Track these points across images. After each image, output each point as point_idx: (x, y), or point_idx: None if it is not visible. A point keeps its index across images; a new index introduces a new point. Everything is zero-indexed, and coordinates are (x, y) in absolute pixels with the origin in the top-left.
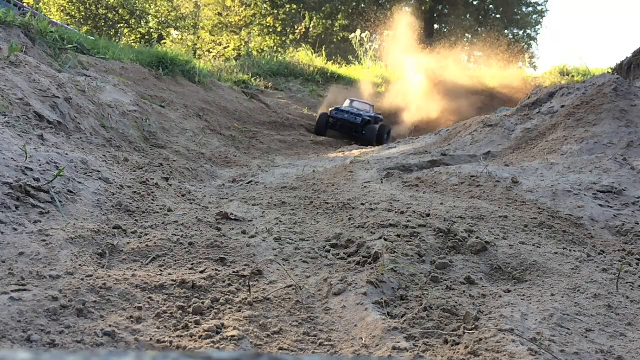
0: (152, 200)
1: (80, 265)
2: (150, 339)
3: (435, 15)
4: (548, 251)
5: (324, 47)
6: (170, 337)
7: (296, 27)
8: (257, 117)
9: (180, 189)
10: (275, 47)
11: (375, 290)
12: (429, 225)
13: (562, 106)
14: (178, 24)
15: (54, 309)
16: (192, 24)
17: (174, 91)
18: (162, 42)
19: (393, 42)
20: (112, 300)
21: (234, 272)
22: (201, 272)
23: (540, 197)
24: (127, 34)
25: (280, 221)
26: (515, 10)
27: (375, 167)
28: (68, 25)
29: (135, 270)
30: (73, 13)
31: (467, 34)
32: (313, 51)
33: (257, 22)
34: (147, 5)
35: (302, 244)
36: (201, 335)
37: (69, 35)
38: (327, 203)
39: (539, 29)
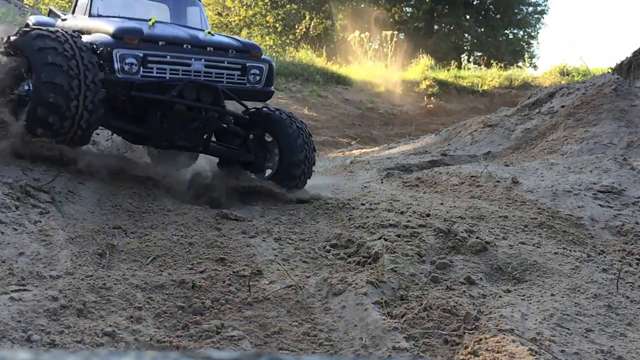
0: (152, 200)
1: (80, 265)
2: (150, 339)
3: (435, 15)
4: (548, 251)
5: (324, 47)
6: (170, 337)
7: (296, 27)
8: None
9: None
10: (275, 47)
11: (375, 290)
12: (429, 225)
13: (562, 106)
14: None
15: (54, 309)
16: None
17: None
18: None
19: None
20: (112, 300)
21: (233, 272)
22: (201, 272)
23: (540, 197)
24: None
25: (280, 221)
26: (515, 10)
27: (375, 167)
28: None
29: (135, 270)
30: None
31: (467, 34)
32: (313, 51)
33: (257, 22)
34: None
35: (302, 244)
36: (201, 335)
37: None
38: (327, 203)
39: (539, 28)
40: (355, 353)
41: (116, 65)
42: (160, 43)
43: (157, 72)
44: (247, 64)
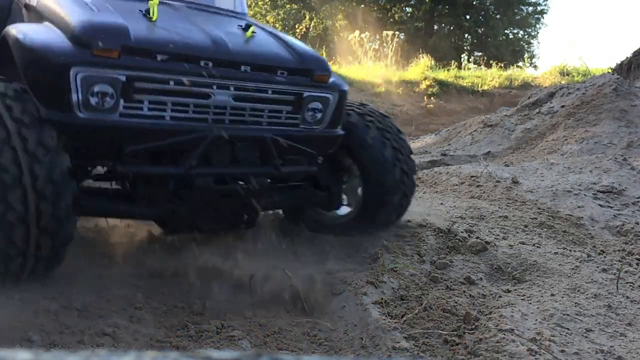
0: None
1: (80, 264)
2: (150, 339)
3: (435, 15)
4: (548, 251)
5: (324, 47)
6: (170, 337)
7: (296, 27)
8: None
9: None
10: None
11: (375, 290)
12: (429, 225)
13: (562, 106)
14: None
15: (54, 309)
16: None
17: None
18: None
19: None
20: (112, 300)
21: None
22: None
23: (540, 197)
24: None
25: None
26: (515, 10)
27: None
28: None
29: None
30: None
31: (467, 34)
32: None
33: None
34: None
35: None
36: (201, 335)
37: None
38: None
39: (539, 28)
40: (355, 353)
41: (75, 97)
42: (159, 57)
43: (149, 110)
44: (305, 94)
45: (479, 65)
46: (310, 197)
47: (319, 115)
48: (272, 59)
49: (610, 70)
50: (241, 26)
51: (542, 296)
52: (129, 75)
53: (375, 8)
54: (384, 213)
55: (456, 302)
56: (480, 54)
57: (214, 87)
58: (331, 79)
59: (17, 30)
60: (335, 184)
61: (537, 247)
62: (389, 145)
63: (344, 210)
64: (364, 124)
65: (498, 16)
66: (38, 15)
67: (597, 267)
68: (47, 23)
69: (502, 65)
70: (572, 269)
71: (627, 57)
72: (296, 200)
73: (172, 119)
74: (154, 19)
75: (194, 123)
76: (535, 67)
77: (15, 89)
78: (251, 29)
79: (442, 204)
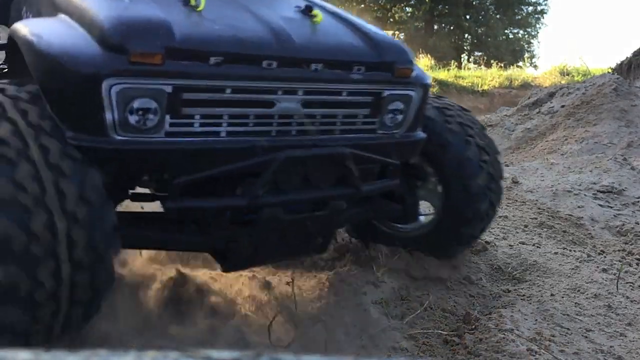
0: None
1: None
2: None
3: (435, 15)
4: (548, 251)
5: None
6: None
7: None
8: None
9: None
10: None
11: (375, 290)
12: None
13: (562, 106)
14: None
15: None
16: None
17: None
18: None
19: None
20: (113, 300)
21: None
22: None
23: (540, 197)
24: None
25: None
26: (515, 10)
27: None
28: None
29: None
30: None
31: (467, 34)
32: None
33: None
34: None
35: None
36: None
37: None
38: None
39: (539, 28)
40: (355, 353)
41: (109, 116)
42: (212, 60)
43: (201, 125)
44: (386, 93)
45: (479, 65)
46: (383, 209)
47: (399, 117)
48: (347, 52)
49: (610, 70)
50: (300, 7)
51: (542, 296)
52: (176, 85)
53: (375, 8)
54: (458, 249)
55: (456, 302)
56: (480, 53)
57: (279, 92)
58: (414, 72)
59: (29, 30)
60: (410, 194)
61: (537, 247)
62: (485, 171)
63: (417, 223)
64: (463, 139)
65: (498, 16)
66: (50, 3)
67: (597, 267)
68: (63, 16)
69: (502, 65)
70: (572, 269)
71: (627, 57)
72: (368, 214)
73: (228, 135)
74: (199, 8)
75: (255, 137)
76: (535, 67)
77: (29, 91)
78: (316, 13)
79: None
